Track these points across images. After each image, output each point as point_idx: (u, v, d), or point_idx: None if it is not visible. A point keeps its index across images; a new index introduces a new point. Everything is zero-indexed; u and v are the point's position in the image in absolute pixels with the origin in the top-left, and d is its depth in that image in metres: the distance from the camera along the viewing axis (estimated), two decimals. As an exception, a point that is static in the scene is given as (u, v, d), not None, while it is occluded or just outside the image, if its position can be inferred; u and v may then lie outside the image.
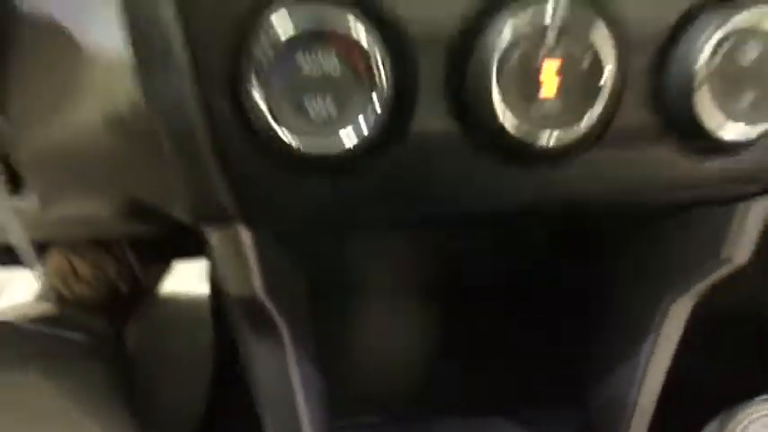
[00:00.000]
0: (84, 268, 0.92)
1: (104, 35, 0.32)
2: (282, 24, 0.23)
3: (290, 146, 0.24)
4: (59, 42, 0.33)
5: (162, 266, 1.03)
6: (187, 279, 1.07)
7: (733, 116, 0.26)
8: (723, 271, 0.36)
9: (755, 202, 0.33)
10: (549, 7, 0.23)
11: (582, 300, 0.41)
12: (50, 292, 0.93)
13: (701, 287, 0.37)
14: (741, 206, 0.33)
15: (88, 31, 0.32)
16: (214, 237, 0.29)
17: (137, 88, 0.29)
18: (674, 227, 0.35)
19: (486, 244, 0.35)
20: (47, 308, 0.90)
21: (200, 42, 0.24)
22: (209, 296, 1.04)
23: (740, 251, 0.35)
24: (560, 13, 0.23)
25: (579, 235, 0.35)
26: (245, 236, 0.28)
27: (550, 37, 0.23)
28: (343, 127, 0.23)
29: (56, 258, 0.95)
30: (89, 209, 0.50)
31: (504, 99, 0.24)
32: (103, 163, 0.39)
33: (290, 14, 0.22)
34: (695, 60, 0.26)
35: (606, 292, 0.40)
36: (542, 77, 0.24)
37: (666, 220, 0.34)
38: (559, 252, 0.37)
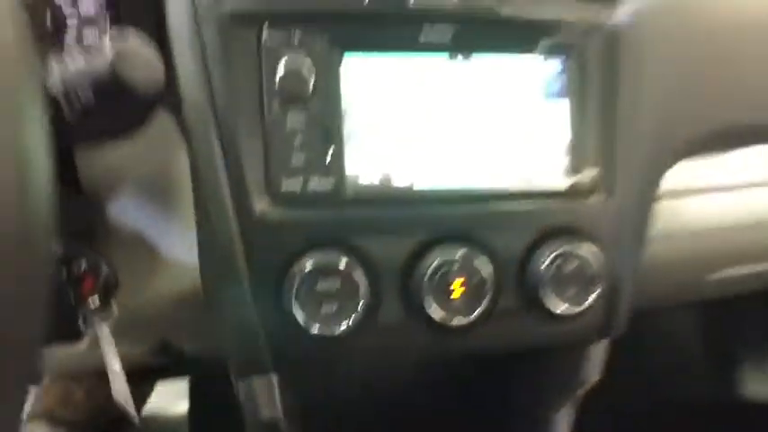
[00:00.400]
0: (79, 394, 1.01)
1: (179, 244, 0.49)
2: (309, 264, 0.41)
3: (309, 330, 0.41)
4: (146, 246, 0.50)
5: (148, 385, 1.13)
6: (169, 397, 1.16)
7: (565, 301, 0.45)
8: (584, 388, 0.54)
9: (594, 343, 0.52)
10: (458, 253, 0.43)
11: (496, 407, 0.59)
12: (46, 415, 1.02)
13: (572, 400, 0.55)
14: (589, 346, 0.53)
15: (169, 243, 0.50)
16: (255, 382, 0.45)
17: (196, 276, 0.46)
18: (548, 360, 0.54)
19: (430, 380, 0.53)
20: (42, 429, 0.98)
21: (259, 268, 0.42)
22: (189, 414, 1.14)
23: (592, 374, 0.54)
24: (460, 254, 0.43)
25: (488, 368, 0.53)
26: (275, 383, 0.44)
27: (456, 266, 0.42)
28: (340, 320, 0.41)
29: (54, 383, 1.04)
30: (127, 348, 0.65)
31: (432, 300, 0.42)
32: (160, 321, 0.55)
33: (314, 259, 0.41)
34: (540, 270, 0.45)
35: (514, 400, 0.57)
36: (452, 288, 0.43)
37: (542, 356, 0.53)
38: (479, 377, 0.55)
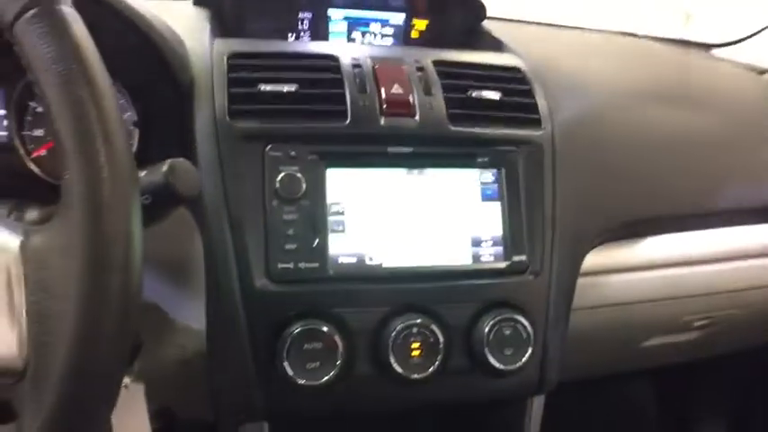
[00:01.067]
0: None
1: (187, 313, 0.59)
2: (298, 329, 0.51)
3: (297, 382, 0.51)
4: (161, 315, 0.59)
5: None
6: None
7: (503, 360, 0.56)
8: (528, 437, 0.64)
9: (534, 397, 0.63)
10: (416, 321, 0.54)
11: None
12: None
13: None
14: (528, 401, 0.63)
15: (180, 312, 0.59)
16: (248, 427, 0.54)
17: (199, 341, 0.56)
18: (495, 413, 0.64)
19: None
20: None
21: (257, 331, 0.52)
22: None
23: (534, 428, 0.64)
24: (417, 322, 0.54)
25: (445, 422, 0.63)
26: (266, 429, 0.54)
27: (414, 331, 0.54)
28: (322, 374, 0.52)
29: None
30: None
31: (395, 359, 0.53)
32: (163, 383, 0.64)
33: (301, 326, 0.52)
34: (482, 335, 0.56)
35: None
36: (412, 349, 0.54)
37: (488, 410, 0.63)
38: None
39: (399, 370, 0.53)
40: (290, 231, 0.54)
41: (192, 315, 0.59)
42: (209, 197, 0.54)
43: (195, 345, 0.58)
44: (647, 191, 0.69)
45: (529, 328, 0.57)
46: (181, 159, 0.45)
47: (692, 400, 1.27)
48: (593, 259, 0.68)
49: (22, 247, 0.36)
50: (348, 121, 0.57)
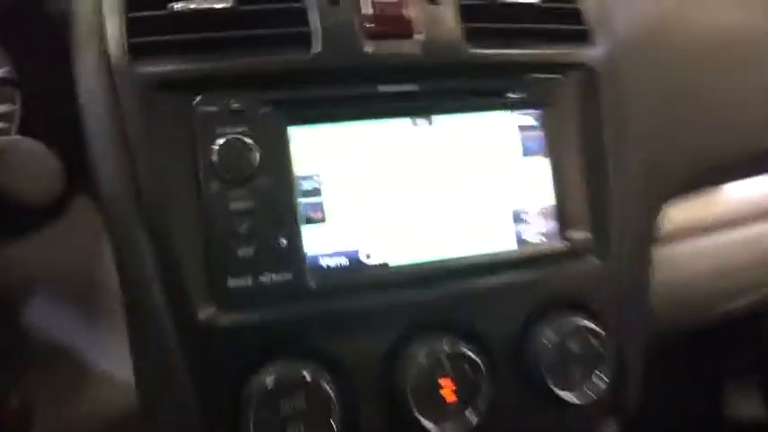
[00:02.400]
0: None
1: (109, 356, 0.41)
2: (269, 380, 0.33)
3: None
4: (70, 359, 0.41)
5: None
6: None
7: (569, 387, 0.39)
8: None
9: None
10: (443, 344, 0.36)
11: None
12: None
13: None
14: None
15: (97, 354, 0.41)
16: None
17: (130, 395, 0.38)
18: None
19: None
20: None
21: (207, 388, 0.34)
22: None
23: None
24: (445, 345, 0.36)
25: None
26: None
27: (442, 360, 0.36)
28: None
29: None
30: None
31: (418, 407, 0.35)
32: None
33: (273, 373, 0.33)
34: (539, 351, 0.39)
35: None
36: (442, 386, 0.36)
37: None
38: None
39: (427, 424, 0.35)
40: (243, 228, 0.35)
41: (116, 359, 0.40)
42: (110, 184, 0.35)
43: (123, 400, 0.40)
44: (734, 124, 0.51)
45: (602, 335, 0.40)
46: (18, 138, 0.26)
47: (725, 356, 1.17)
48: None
49: None
50: (316, 51, 0.37)
